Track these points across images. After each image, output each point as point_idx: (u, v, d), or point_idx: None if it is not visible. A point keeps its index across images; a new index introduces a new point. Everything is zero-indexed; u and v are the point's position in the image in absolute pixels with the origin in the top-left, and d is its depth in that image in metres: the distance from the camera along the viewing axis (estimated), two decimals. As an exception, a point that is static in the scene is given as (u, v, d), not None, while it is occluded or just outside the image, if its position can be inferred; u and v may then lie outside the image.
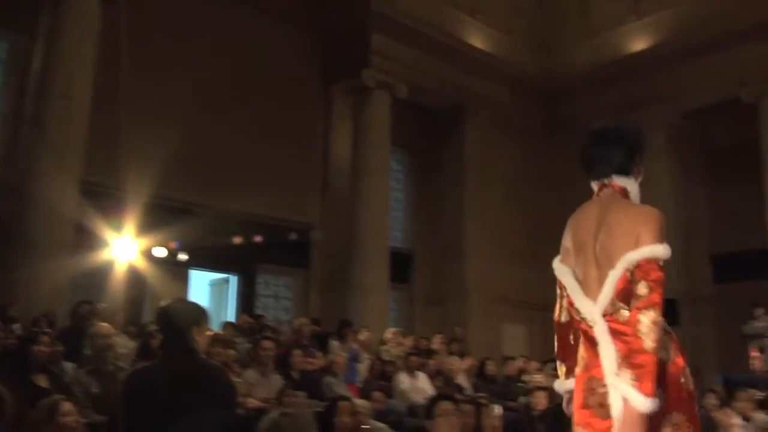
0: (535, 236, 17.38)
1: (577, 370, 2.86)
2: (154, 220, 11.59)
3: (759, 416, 8.50)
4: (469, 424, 6.03)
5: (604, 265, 2.76)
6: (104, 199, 11.26)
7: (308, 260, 15.09)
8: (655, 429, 2.62)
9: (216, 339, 7.71)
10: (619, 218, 2.78)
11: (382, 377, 9.43)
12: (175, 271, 12.64)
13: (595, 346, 2.74)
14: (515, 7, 18.37)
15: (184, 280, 13.34)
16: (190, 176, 12.84)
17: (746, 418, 8.16)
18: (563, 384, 3.01)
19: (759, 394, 9.72)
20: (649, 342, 2.54)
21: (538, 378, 10.01)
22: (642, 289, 2.61)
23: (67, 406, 4.53)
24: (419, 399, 8.48)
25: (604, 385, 2.68)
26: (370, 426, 6.08)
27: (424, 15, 15.55)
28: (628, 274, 2.66)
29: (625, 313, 2.67)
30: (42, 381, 5.90)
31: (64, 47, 10.80)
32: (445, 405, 5.10)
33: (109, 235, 11.03)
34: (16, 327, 8.08)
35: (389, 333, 11.48)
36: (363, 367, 9.84)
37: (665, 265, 2.68)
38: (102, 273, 10.97)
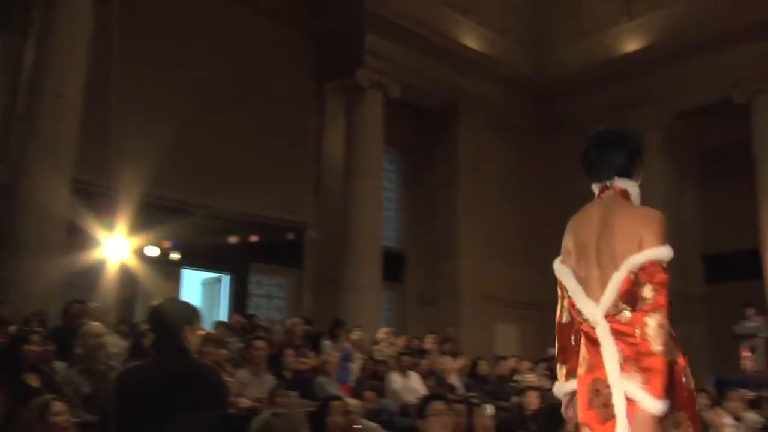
0: (528, 236, 17.43)
1: (580, 371, 2.88)
2: (146, 220, 11.56)
3: (750, 416, 8.52)
4: (461, 424, 6.03)
5: (606, 266, 2.78)
6: (96, 197, 11.24)
7: (301, 260, 15.09)
8: (657, 430, 2.64)
9: (208, 338, 7.69)
10: (621, 220, 2.80)
11: (374, 377, 9.42)
12: (167, 270, 12.62)
13: (598, 347, 2.77)
14: (508, 7, 18.39)
15: (176, 280, 13.32)
16: (183, 175, 12.82)
17: (737, 418, 8.18)
18: (563, 386, 3.02)
19: (750, 394, 9.75)
20: (657, 345, 2.57)
21: (530, 378, 10.02)
22: (647, 291, 2.64)
23: (58, 405, 4.52)
24: (411, 399, 8.47)
25: (608, 386, 2.70)
26: (362, 426, 6.07)
27: (418, 15, 15.56)
28: (632, 276, 2.69)
29: (627, 314, 2.70)
30: (33, 380, 5.88)
31: (56, 45, 10.77)
32: (438, 405, 5.10)
33: (101, 234, 11.01)
34: (12, 329, 8.02)
35: (382, 333, 11.46)
36: (355, 367, 9.82)
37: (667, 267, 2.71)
38: (94, 272, 10.94)
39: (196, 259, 13.56)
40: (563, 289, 2.99)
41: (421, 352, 10.77)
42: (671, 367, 2.65)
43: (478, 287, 16.28)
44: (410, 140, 17.40)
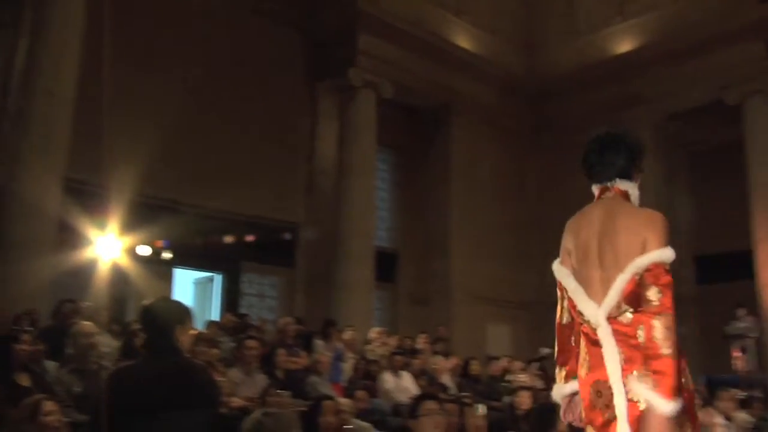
0: (520, 236, 17.46)
1: (581, 372, 2.90)
2: (138, 219, 11.53)
3: (740, 416, 8.57)
4: (453, 424, 6.03)
5: (609, 267, 2.81)
6: (88, 196, 11.19)
7: (293, 259, 15.07)
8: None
9: (200, 338, 7.69)
10: (624, 221, 2.84)
11: (366, 377, 9.42)
12: (159, 269, 12.58)
13: (599, 349, 2.80)
14: (501, 8, 18.40)
15: (168, 279, 13.28)
16: (175, 175, 12.79)
17: (728, 418, 8.22)
18: (563, 388, 3.03)
19: (741, 394, 9.82)
20: (666, 348, 2.61)
21: (522, 378, 10.05)
22: (653, 294, 2.67)
23: (49, 405, 4.51)
24: (403, 398, 8.48)
25: (609, 388, 2.74)
26: (353, 426, 6.07)
27: (410, 15, 15.57)
28: (637, 277, 2.72)
29: (629, 316, 2.74)
30: (24, 380, 5.85)
31: (48, 44, 10.72)
32: (430, 404, 5.10)
33: (92, 233, 10.96)
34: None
35: (374, 332, 11.46)
36: (347, 367, 9.82)
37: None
38: (85, 271, 10.90)
39: (188, 259, 13.54)
40: (563, 289, 3.01)
41: (413, 352, 10.78)
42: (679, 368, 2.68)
43: (470, 287, 16.30)
44: (403, 140, 17.41)
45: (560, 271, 3.00)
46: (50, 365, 6.66)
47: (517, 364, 11.26)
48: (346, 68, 14.85)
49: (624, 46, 16.80)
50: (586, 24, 17.68)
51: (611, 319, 2.77)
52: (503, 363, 11.23)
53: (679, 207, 16.38)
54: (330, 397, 6.19)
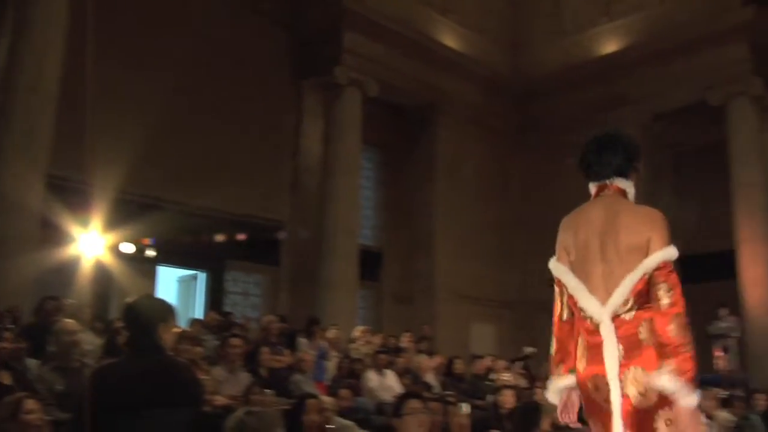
0: (504, 236, 17.50)
1: (580, 365, 2.95)
2: (121, 216, 11.47)
3: (722, 415, 8.63)
4: (437, 423, 6.04)
5: (611, 261, 2.88)
6: (71, 193, 11.12)
7: (278, 257, 15.04)
8: (649, 424, 2.76)
9: (183, 336, 7.65)
10: (626, 218, 2.92)
11: (350, 375, 9.41)
12: (142, 267, 12.53)
13: (599, 344, 2.86)
14: (487, 7, 18.43)
15: (151, 277, 13.24)
16: (159, 172, 12.73)
17: (710, 417, 8.26)
18: (561, 381, 3.04)
19: (722, 393, 9.88)
20: (684, 345, 2.73)
21: (506, 377, 10.09)
22: (663, 292, 2.79)
23: (30, 403, 4.46)
24: (387, 397, 8.48)
25: (607, 383, 2.81)
26: (335, 426, 6.06)
27: (396, 13, 15.56)
28: (647, 276, 2.80)
29: (632, 312, 2.82)
30: (5, 378, 5.80)
31: (32, 41, 10.64)
32: (414, 403, 5.10)
33: (75, 230, 10.90)
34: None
35: (358, 331, 11.47)
36: (331, 365, 9.82)
37: None
38: (68, 269, 10.83)
39: (172, 256, 13.49)
40: (561, 286, 3.05)
41: (397, 351, 10.78)
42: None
43: (455, 286, 16.32)
44: (388, 138, 17.40)
45: (558, 268, 3.05)
46: (32, 363, 6.61)
47: (501, 363, 11.30)
48: (332, 66, 14.84)
49: (610, 46, 16.88)
50: (573, 24, 17.74)
51: (614, 316, 2.84)
52: (487, 362, 11.25)
53: (663, 207, 16.38)
54: (314, 396, 6.18)
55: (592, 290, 2.89)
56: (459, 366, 10.86)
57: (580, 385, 2.94)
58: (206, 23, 13.83)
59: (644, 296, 2.81)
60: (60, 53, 10.82)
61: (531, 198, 17.61)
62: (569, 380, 3.00)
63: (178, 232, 12.25)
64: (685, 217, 16.62)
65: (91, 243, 11.14)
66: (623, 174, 3.08)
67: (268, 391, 6.84)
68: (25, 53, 10.58)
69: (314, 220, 14.75)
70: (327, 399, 6.58)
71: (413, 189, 17.04)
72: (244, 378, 7.43)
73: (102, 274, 11.32)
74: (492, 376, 10.64)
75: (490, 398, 8.98)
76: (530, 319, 16.23)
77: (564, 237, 3.06)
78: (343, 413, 6.82)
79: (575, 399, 3.01)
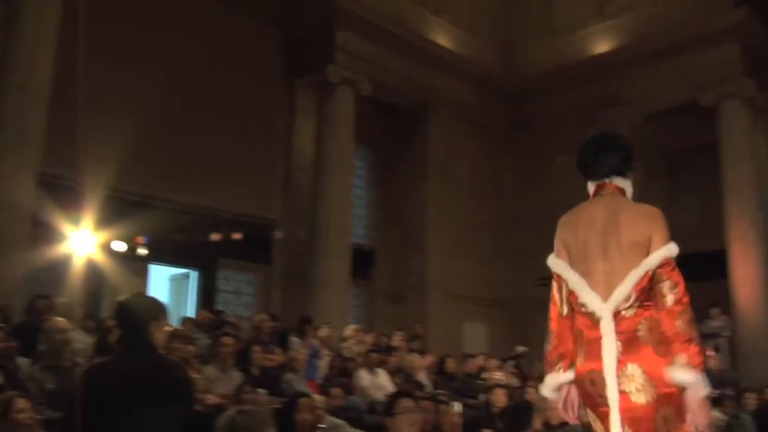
0: (496, 235, 17.52)
1: (579, 360, 2.97)
2: (113, 214, 11.42)
3: (713, 414, 8.63)
4: (429, 421, 6.04)
5: (613, 257, 2.92)
6: (63, 191, 11.05)
7: (270, 256, 15.02)
8: (647, 422, 2.79)
9: (175, 335, 7.63)
10: (627, 216, 2.98)
11: (342, 374, 9.41)
12: (134, 265, 12.48)
13: (597, 340, 2.88)
14: (479, 7, 18.45)
15: (143, 275, 13.19)
16: (151, 170, 12.70)
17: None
18: (560, 377, 3.05)
19: (713, 393, 9.86)
20: (692, 339, 2.82)
21: (498, 375, 10.09)
22: (667, 288, 2.85)
23: (21, 402, 4.46)
24: (379, 396, 8.48)
25: (604, 379, 2.84)
26: (327, 425, 6.06)
27: (389, 12, 15.56)
28: (651, 273, 2.86)
29: (633, 310, 2.86)
30: (-5, 377, 5.79)
31: (22, 38, 10.59)
32: (406, 402, 5.10)
33: (67, 228, 10.85)
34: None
35: (350, 330, 11.46)
36: (323, 364, 9.82)
37: None
38: (59, 267, 10.78)
39: (163, 255, 13.45)
40: (561, 282, 3.07)
41: (389, 350, 10.78)
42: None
43: (447, 285, 16.34)
44: (381, 137, 17.41)
45: (558, 264, 3.07)
46: (23, 362, 6.59)
47: (493, 362, 11.31)
48: (325, 65, 14.82)
49: (602, 46, 16.91)
50: (565, 24, 17.77)
51: (616, 312, 2.87)
52: (479, 361, 11.26)
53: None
54: (305, 395, 6.17)
55: (593, 286, 2.92)
56: (451, 365, 10.86)
57: (577, 380, 2.97)
58: (198, 21, 13.81)
59: (646, 293, 2.86)
60: (51, 51, 10.78)
61: (523, 197, 17.64)
62: (569, 376, 3.01)
63: (169, 230, 12.21)
64: (676, 217, 16.68)
65: (83, 241, 11.10)
66: (621, 173, 3.13)
67: (260, 390, 6.83)
68: (16, 50, 10.53)
69: (307, 218, 14.74)
70: (319, 398, 6.58)
71: (406, 188, 17.05)
72: (236, 377, 7.42)
73: (93, 272, 11.28)
74: (484, 375, 10.65)
75: (482, 397, 9.00)
76: (522, 318, 16.27)
77: (563, 234, 3.08)
78: (335, 412, 6.82)
79: (575, 396, 3.02)
